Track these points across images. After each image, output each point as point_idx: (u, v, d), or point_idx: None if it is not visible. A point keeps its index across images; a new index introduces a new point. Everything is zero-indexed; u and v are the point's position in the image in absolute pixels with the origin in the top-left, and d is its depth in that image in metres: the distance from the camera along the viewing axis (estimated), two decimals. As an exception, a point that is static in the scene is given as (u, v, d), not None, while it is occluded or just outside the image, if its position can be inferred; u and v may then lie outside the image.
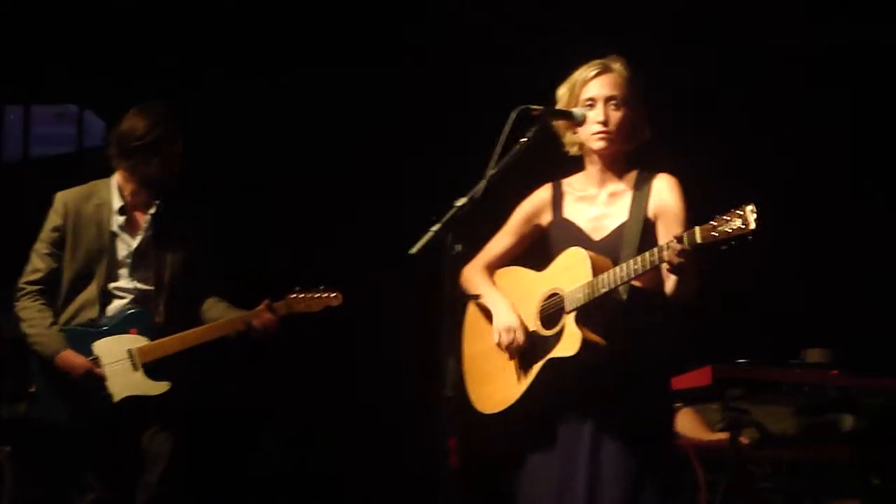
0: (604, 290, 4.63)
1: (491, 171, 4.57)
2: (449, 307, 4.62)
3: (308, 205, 8.23)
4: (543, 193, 5.08)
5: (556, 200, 5.05)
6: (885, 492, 6.43)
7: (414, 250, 4.46)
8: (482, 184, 4.56)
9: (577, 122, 4.85)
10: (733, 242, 4.32)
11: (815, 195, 7.42)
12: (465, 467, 4.48)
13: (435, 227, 4.46)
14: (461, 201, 4.50)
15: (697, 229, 4.33)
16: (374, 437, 7.78)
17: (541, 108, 4.74)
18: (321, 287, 5.92)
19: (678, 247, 4.39)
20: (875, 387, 6.42)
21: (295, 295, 5.87)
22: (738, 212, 4.26)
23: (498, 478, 5.06)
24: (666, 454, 4.89)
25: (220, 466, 7.50)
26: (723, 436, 6.29)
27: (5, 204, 6.82)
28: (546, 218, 5.05)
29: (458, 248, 4.46)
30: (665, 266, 4.50)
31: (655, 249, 4.51)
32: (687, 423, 6.54)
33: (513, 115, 4.60)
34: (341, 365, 7.89)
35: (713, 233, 4.31)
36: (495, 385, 4.98)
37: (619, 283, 4.62)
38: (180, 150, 5.80)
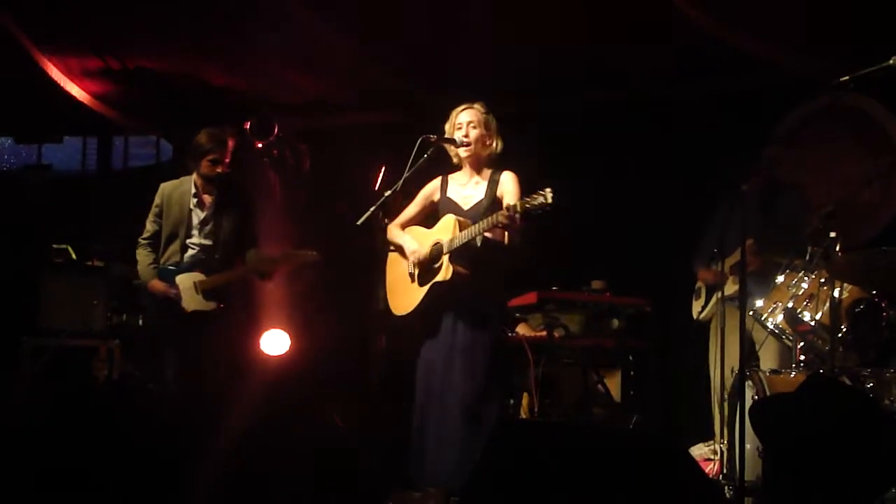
0: (465, 240, 4.99)
1: (406, 174, 5.06)
2: (381, 254, 5.19)
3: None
4: (436, 182, 5.38)
5: (444, 186, 5.34)
6: (635, 364, 6.81)
7: (359, 222, 5.04)
8: (400, 182, 5.10)
9: (457, 144, 5.20)
10: (540, 211, 4.67)
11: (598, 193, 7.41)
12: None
13: (372, 208, 5.02)
14: (388, 192, 5.07)
15: (518, 202, 4.74)
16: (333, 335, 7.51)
17: (435, 136, 5.14)
18: (307, 249, 6.18)
19: (507, 213, 4.77)
20: (629, 303, 6.75)
21: (292, 252, 6.17)
22: (542, 192, 4.66)
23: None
24: (499, 337, 5.20)
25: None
26: (543, 332, 6.55)
27: (113, 194, 6.92)
28: (437, 196, 5.34)
29: (386, 221, 5.10)
30: (501, 224, 4.88)
31: (494, 215, 4.87)
32: (523, 327, 6.65)
33: (418, 141, 5.05)
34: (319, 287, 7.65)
35: (528, 205, 4.69)
36: (402, 298, 5.27)
37: (472, 236, 4.97)
38: (225, 157, 6.02)
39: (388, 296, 5.35)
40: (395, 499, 5.16)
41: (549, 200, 4.64)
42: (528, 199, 4.72)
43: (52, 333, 7.17)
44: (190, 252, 6.07)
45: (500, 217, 4.83)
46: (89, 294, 7.23)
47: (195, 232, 6.08)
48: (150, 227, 6.14)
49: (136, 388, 6.50)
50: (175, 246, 6.06)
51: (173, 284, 6.01)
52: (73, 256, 7.56)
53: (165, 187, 6.16)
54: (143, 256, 6.12)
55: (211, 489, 3.35)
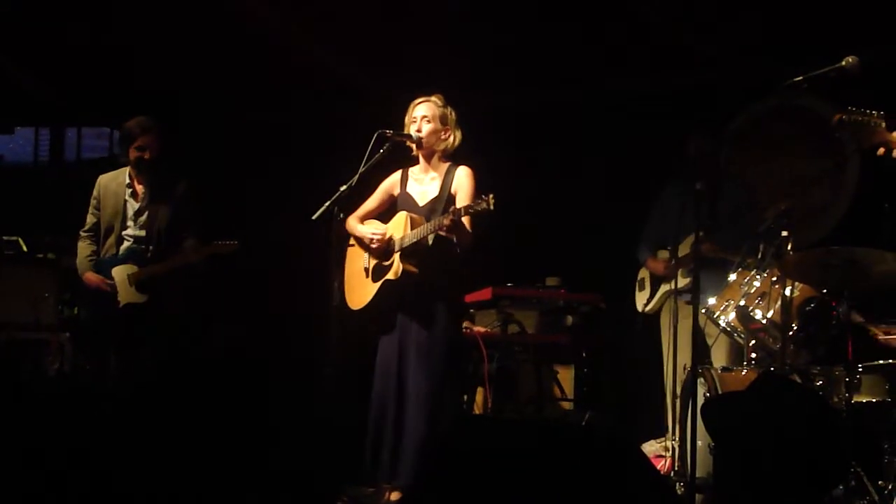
0: (414, 239, 5.00)
1: (362, 169, 5.01)
2: (334, 250, 5.05)
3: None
4: (396, 176, 5.36)
5: (403, 181, 5.32)
6: (589, 360, 6.79)
7: (315, 217, 4.95)
8: (356, 177, 5.03)
9: (411, 140, 5.17)
10: (483, 215, 4.72)
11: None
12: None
13: (327, 203, 4.93)
14: (343, 187, 4.98)
15: (462, 207, 4.78)
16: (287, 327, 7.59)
17: (390, 131, 5.10)
18: (230, 238, 6.08)
19: (450, 216, 4.79)
20: (583, 300, 6.74)
21: (214, 243, 6.04)
22: (485, 198, 4.67)
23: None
24: (455, 334, 5.17)
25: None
26: (497, 329, 6.57)
27: (66, 186, 6.87)
28: (396, 191, 5.32)
29: (341, 215, 5.00)
30: (445, 227, 4.86)
31: (439, 218, 4.91)
32: (478, 323, 6.62)
33: (374, 136, 5.02)
34: (275, 281, 7.83)
35: (470, 209, 4.73)
36: (357, 293, 5.27)
37: (421, 236, 4.98)
38: (150, 145, 5.93)
39: (346, 289, 5.32)
40: (348, 494, 5.16)
41: (491, 207, 4.66)
42: (471, 205, 4.75)
43: (2, 326, 7.09)
44: (125, 244, 6.03)
45: (445, 220, 4.84)
46: (40, 287, 7.15)
47: (130, 223, 6.04)
48: (89, 219, 6.13)
49: (88, 381, 6.45)
50: (112, 238, 6.04)
51: (109, 277, 5.97)
52: (24, 248, 7.48)
53: (102, 179, 6.14)
54: (82, 248, 6.11)
55: (160, 487, 3.31)
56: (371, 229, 5.24)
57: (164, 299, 6.02)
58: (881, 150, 4.33)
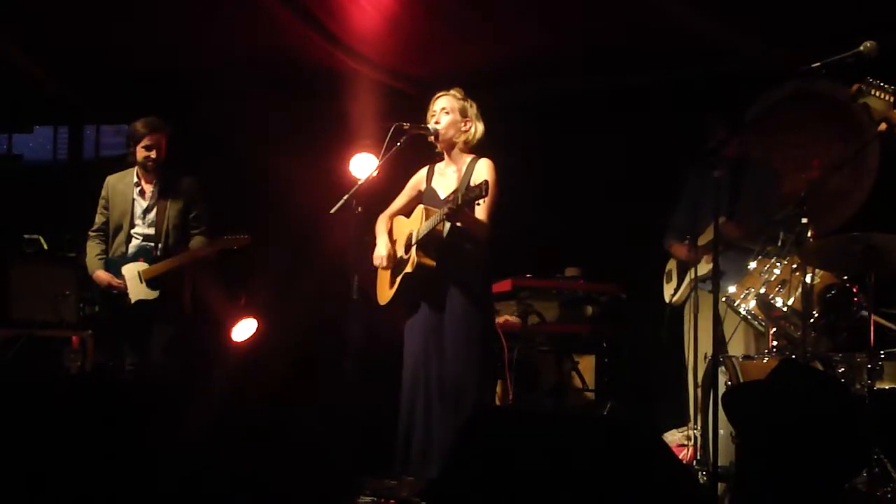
0: (426, 231, 5.03)
1: (380, 161, 5.09)
2: (354, 244, 5.12)
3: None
4: (423, 171, 5.44)
5: (429, 176, 5.40)
6: (609, 351, 6.83)
7: (333, 210, 5.02)
8: (374, 170, 5.14)
9: (429, 132, 5.19)
10: (477, 202, 4.79)
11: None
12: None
13: (346, 196, 5.00)
14: (361, 180, 5.07)
15: (460, 194, 4.81)
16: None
17: (408, 124, 5.12)
18: (240, 232, 6.16)
19: (449, 206, 4.83)
20: (603, 290, 6.81)
21: (225, 237, 6.14)
22: (479, 185, 4.70)
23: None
24: (480, 327, 5.12)
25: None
26: (517, 320, 6.58)
27: (85, 184, 6.88)
28: (423, 186, 5.40)
29: (360, 209, 5.04)
30: (445, 216, 4.89)
31: (441, 209, 4.93)
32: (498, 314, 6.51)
33: (392, 128, 5.05)
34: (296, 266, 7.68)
35: (466, 196, 4.75)
36: (384, 288, 5.33)
37: (429, 228, 5.01)
38: (157, 145, 6.01)
39: (377, 286, 5.38)
40: (370, 487, 5.19)
41: (483, 193, 4.70)
42: (466, 192, 4.77)
43: (24, 324, 7.14)
44: (134, 242, 6.11)
45: (444, 209, 4.88)
46: (61, 284, 7.21)
47: (138, 221, 6.12)
48: (98, 218, 6.22)
49: (110, 379, 6.54)
50: (121, 237, 6.12)
51: (119, 275, 6.04)
52: (45, 247, 7.58)
53: (110, 179, 6.23)
54: (91, 248, 6.20)
55: (181, 481, 3.32)
56: (378, 252, 5.30)
57: (175, 295, 6.07)
58: (882, 126, 4.29)
